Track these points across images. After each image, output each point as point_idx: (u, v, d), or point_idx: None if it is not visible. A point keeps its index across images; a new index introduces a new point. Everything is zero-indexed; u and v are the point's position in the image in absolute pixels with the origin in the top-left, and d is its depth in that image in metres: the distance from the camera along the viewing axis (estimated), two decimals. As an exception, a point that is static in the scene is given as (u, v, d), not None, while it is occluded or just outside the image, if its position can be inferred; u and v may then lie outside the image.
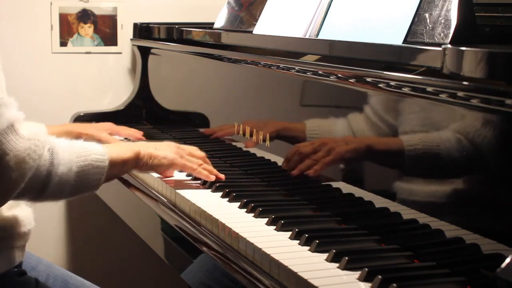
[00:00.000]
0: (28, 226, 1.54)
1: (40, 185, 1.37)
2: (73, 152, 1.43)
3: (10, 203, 1.50)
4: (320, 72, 1.58)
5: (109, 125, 2.12)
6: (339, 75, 1.51)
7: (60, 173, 1.39)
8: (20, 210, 1.53)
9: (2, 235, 1.48)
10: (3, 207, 1.47)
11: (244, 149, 1.92)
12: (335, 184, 1.55)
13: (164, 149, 1.66)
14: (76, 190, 1.44)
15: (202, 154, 1.75)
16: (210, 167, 1.73)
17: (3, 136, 1.31)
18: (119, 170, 1.56)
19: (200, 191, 1.69)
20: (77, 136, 1.92)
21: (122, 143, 1.70)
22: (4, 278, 1.47)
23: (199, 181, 1.75)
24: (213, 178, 1.71)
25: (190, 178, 1.79)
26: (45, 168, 1.36)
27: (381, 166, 1.44)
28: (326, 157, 1.57)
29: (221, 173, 1.82)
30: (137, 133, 2.19)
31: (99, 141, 1.85)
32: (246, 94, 1.99)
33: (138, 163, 1.59)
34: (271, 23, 1.92)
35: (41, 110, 2.52)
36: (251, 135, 1.86)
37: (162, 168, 1.67)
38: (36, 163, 1.34)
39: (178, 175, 1.80)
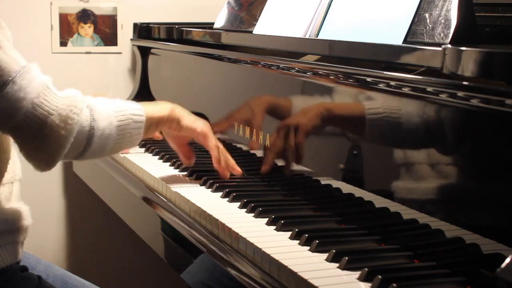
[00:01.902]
0: (26, 221, 1.56)
1: (85, 140, 1.42)
2: (111, 108, 1.48)
3: (6, 196, 1.51)
4: (320, 72, 1.58)
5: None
6: (339, 75, 1.51)
7: (102, 127, 1.44)
8: (17, 205, 1.55)
9: (7, 228, 1.49)
10: (2, 200, 1.49)
11: (244, 149, 1.92)
12: (335, 184, 1.55)
13: (194, 117, 1.68)
14: (118, 145, 1.50)
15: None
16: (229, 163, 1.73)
17: (42, 98, 1.37)
18: (155, 127, 1.60)
19: (200, 191, 1.69)
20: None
21: (157, 102, 1.70)
22: (7, 273, 1.48)
23: (198, 181, 1.75)
24: (227, 175, 1.71)
25: (190, 177, 1.79)
26: (88, 123, 1.42)
27: (381, 166, 1.44)
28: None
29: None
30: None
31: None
32: (246, 94, 1.99)
33: (171, 122, 1.62)
34: (271, 23, 1.92)
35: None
36: (251, 137, 1.86)
37: (191, 131, 1.67)
38: (79, 117, 1.40)
39: (173, 172, 1.80)
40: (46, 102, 1.37)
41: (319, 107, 1.61)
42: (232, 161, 1.74)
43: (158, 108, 1.61)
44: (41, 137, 1.36)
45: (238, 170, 1.74)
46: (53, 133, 1.36)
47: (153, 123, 1.58)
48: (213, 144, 1.70)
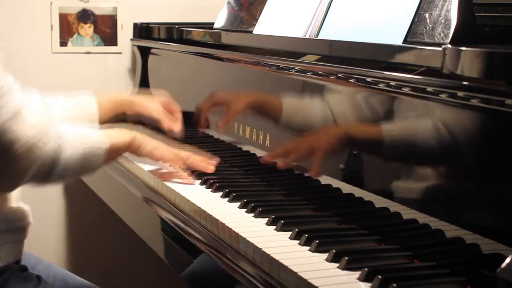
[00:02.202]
0: (27, 221, 1.57)
1: (48, 169, 1.42)
2: (78, 138, 1.48)
3: (8, 197, 1.51)
4: (320, 72, 1.58)
5: (162, 97, 1.98)
6: (339, 75, 1.51)
7: (67, 157, 1.44)
8: (18, 206, 1.55)
9: (7, 228, 1.49)
10: (3, 200, 1.49)
11: (244, 149, 1.92)
12: (335, 184, 1.55)
13: (155, 142, 1.70)
14: (79, 172, 1.52)
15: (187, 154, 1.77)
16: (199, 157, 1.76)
17: (11, 123, 1.33)
18: (114, 155, 1.61)
19: (200, 190, 1.69)
20: (129, 106, 1.87)
21: (118, 129, 1.72)
22: (6, 272, 1.49)
23: (198, 180, 1.75)
24: (206, 166, 1.74)
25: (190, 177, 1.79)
26: (53, 154, 1.41)
27: (381, 166, 1.44)
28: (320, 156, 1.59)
29: (221, 173, 1.82)
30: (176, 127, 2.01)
31: (150, 116, 1.87)
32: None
33: (130, 149, 1.65)
34: (271, 23, 1.92)
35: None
36: (251, 137, 1.86)
37: (152, 158, 1.70)
38: (44, 150, 1.38)
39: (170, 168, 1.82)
40: (14, 128, 1.33)
41: (319, 107, 1.62)
42: (199, 159, 1.76)
43: (120, 136, 1.62)
44: (2, 164, 1.35)
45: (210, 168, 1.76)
46: (15, 162, 1.35)
47: (113, 151, 1.58)
48: (173, 162, 1.73)
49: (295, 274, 1.18)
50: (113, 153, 1.60)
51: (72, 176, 1.51)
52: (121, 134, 1.64)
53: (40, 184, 1.47)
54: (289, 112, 1.72)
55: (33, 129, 1.36)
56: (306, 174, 1.65)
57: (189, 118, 2.31)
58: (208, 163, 1.77)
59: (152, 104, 1.89)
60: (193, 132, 2.21)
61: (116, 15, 2.68)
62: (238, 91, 1.93)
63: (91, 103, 1.81)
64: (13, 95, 1.36)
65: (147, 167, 1.87)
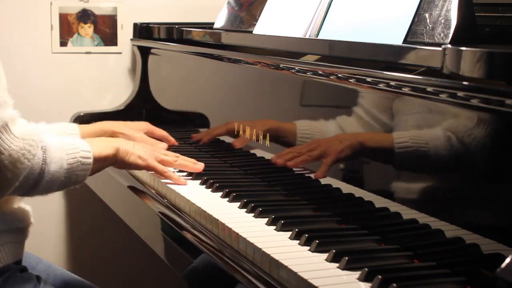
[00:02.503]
0: (27, 222, 1.57)
1: (33, 182, 1.42)
2: (63, 150, 1.48)
3: (9, 198, 1.51)
4: (320, 72, 1.58)
5: (144, 125, 2.07)
6: (339, 75, 1.51)
7: (52, 171, 1.44)
8: (19, 206, 1.56)
9: (7, 228, 1.49)
10: (3, 201, 1.49)
11: (244, 149, 1.92)
12: (335, 184, 1.55)
13: (140, 149, 1.71)
14: (65, 185, 1.51)
15: (174, 155, 1.80)
16: (184, 163, 1.79)
17: None
18: (100, 165, 1.61)
19: (200, 190, 1.69)
20: (111, 135, 1.94)
21: (102, 139, 1.74)
22: (6, 272, 1.49)
23: (198, 180, 1.75)
24: (199, 167, 1.76)
25: (190, 176, 1.79)
26: (38, 167, 1.42)
27: (381, 166, 1.44)
28: (327, 158, 1.58)
29: (221, 173, 1.82)
30: (171, 140, 2.12)
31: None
32: (246, 94, 1.99)
33: (116, 159, 1.65)
34: (271, 23, 1.92)
35: (41, 110, 2.52)
36: (251, 137, 1.86)
37: (136, 167, 1.72)
38: (30, 163, 1.39)
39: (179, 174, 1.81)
40: (0, 140, 1.35)
41: (320, 109, 1.62)
42: (188, 165, 1.79)
43: (104, 146, 1.62)
44: None
45: (198, 167, 1.79)
46: (0, 173, 1.35)
47: (98, 162, 1.58)
48: (163, 171, 1.74)
49: (295, 274, 1.19)
50: (99, 164, 1.59)
51: (57, 188, 1.50)
52: (105, 145, 1.63)
53: (25, 195, 1.48)
54: (303, 133, 1.70)
55: (19, 142, 1.37)
56: (306, 174, 1.64)
57: (189, 118, 2.31)
58: (195, 164, 1.79)
59: (137, 135, 1.94)
60: (193, 132, 2.21)
61: (116, 15, 2.68)
62: (253, 122, 1.92)
63: (74, 131, 1.84)
64: (2, 108, 1.37)
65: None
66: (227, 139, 2.02)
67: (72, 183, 1.52)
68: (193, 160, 1.81)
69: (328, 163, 1.57)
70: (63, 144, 1.50)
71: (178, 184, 1.73)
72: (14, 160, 1.36)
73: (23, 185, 1.41)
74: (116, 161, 1.65)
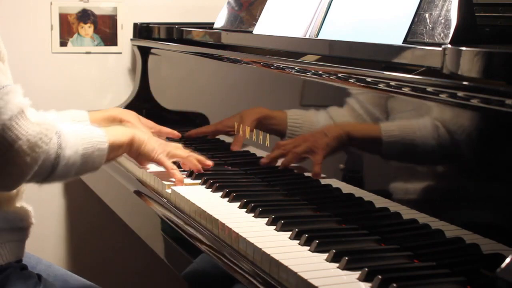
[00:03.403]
0: (29, 221, 1.57)
1: (50, 167, 1.43)
2: (78, 136, 1.50)
3: (11, 197, 1.52)
4: (320, 72, 1.58)
5: (152, 124, 2.08)
6: (339, 75, 1.51)
7: (68, 155, 1.45)
8: (21, 206, 1.56)
9: (8, 227, 1.50)
10: (5, 200, 1.50)
11: (244, 149, 1.92)
12: (335, 184, 1.55)
13: (154, 142, 1.73)
14: (81, 171, 1.52)
15: (186, 152, 1.80)
16: (195, 162, 1.79)
17: (14, 121, 1.36)
18: (116, 153, 1.62)
19: (200, 190, 1.69)
20: (120, 123, 1.94)
21: (118, 127, 1.75)
22: (7, 270, 1.49)
23: (198, 180, 1.75)
24: (199, 167, 1.77)
25: (190, 176, 1.79)
26: (54, 151, 1.43)
27: (381, 166, 1.44)
28: (320, 157, 1.59)
29: (221, 173, 1.82)
30: (176, 133, 2.13)
31: None
32: (246, 94, 1.99)
33: (131, 147, 1.66)
34: (271, 23, 1.92)
35: (41, 110, 2.52)
36: (250, 137, 1.86)
37: (148, 158, 1.72)
38: (48, 147, 1.40)
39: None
40: (17, 126, 1.36)
41: (318, 108, 1.62)
42: (200, 159, 1.80)
43: (120, 134, 1.64)
44: (5, 161, 1.36)
45: (208, 163, 1.81)
46: (18, 159, 1.37)
47: (114, 149, 1.60)
48: (170, 168, 1.74)
49: (295, 274, 1.19)
50: (114, 151, 1.60)
51: (73, 175, 1.51)
52: (121, 133, 1.65)
53: (42, 183, 1.48)
54: (293, 121, 1.71)
55: (35, 127, 1.39)
56: (306, 174, 1.65)
57: (189, 118, 2.31)
58: (205, 160, 1.81)
59: (144, 129, 1.94)
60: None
61: (116, 15, 2.68)
62: (241, 113, 1.93)
63: (84, 118, 1.86)
64: (15, 94, 1.39)
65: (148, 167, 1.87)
66: (227, 139, 2.02)
67: (89, 169, 1.53)
68: (202, 158, 1.81)
69: (318, 159, 1.58)
70: (77, 130, 1.51)
71: (178, 185, 1.73)
72: (32, 145, 1.37)
73: (41, 171, 1.41)
74: (130, 149, 1.66)
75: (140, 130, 1.90)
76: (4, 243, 1.49)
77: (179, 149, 1.78)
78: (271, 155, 1.75)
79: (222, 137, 2.06)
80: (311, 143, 1.61)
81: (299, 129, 1.68)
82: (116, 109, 2.05)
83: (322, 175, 1.59)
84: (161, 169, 1.81)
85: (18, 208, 1.55)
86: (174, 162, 1.80)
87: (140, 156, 1.71)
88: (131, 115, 1.99)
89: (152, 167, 1.87)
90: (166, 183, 1.74)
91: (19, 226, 1.54)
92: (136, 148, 1.67)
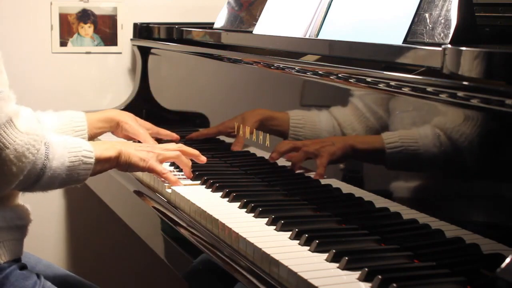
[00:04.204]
0: (27, 220, 1.57)
1: (35, 177, 1.44)
2: (66, 148, 1.50)
3: (8, 196, 1.52)
4: (320, 72, 1.58)
5: (150, 125, 2.08)
6: (339, 75, 1.51)
7: (54, 167, 1.46)
8: (18, 204, 1.56)
9: (6, 226, 1.50)
10: (4, 199, 1.50)
11: (244, 149, 1.92)
12: (335, 184, 1.55)
13: (142, 151, 1.70)
14: (65, 183, 1.53)
15: (177, 146, 1.79)
16: (185, 160, 1.77)
17: (2, 130, 1.37)
18: (102, 167, 1.61)
19: (200, 191, 1.69)
20: (117, 124, 1.96)
21: (105, 141, 1.76)
22: (6, 270, 1.49)
23: (198, 181, 1.75)
24: (189, 167, 1.77)
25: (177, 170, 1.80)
26: (41, 162, 1.43)
27: (381, 166, 1.44)
28: (324, 158, 1.58)
29: (221, 173, 1.82)
30: (175, 136, 2.14)
31: (137, 137, 1.96)
32: (246, 94, 1.99)
33: (118, 161, 1.65)
34: (271, 23, 1.92)
35: (41, 110, 2.52)
36: (251, 137, 1.86)
37: (138, 169, 1.71)
38: (34, 157, 1.41)
39: (179, 174, 1.81)
40: (4, 134, 1.37)
41: (319, 108, 1.62)
42: (194, 153, 1.79)
43: (106, 148, 1.63)
44: None
45: (202, 159, 1.80)
46: (4, 168, 1.37)
47: (101, 162, 1.59)
48: (162, 172, 1.72)
49: (295, 274, 1.18)
50: (100, 165, 1.60)
51: (57, 186, 1.51)
52: (108, 148, 1.64)
53: (26, 191, 1.49)
54: (296, 122, 1.71)
55: (23, 137, 1.39)
56: (306, 174, 1.65)
57: (189, 118, 2.31)
58: (198, 156, 1.80)
59: (141, 130, 1.96)
60: (193, 132, 2.21)
61: (116, 15, 2.68)
62: (243, 114, 1.93)
63: (81, 119, 1.85)
64: (7, 102, 1.39)
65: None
66: (228, 139, 2.02)
67: (73, 181, 1.54)
68: (197, 153, 1.80)
69: (322, 161, 1.58)
70: (66, 142, 1.51)
71: (174, 185, 1.73)
72: (19, 155, 1.38)
73: (25, 180, 1.42)
74: (118, 163, 1.65)
75: (133, 130, 1.92)
76: (2, 242, 1.49)
77: (168, 151, 1.76)
78: (281, 150, 1.74)
79: (222, 137, 2.06)
80: (319, 146, 1.61)
81: (302, 130, 1.68)
82: (113, 111, 2.05)
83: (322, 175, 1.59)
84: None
85: (16, 206, 1.55)
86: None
87: (130, 168, 1.69)
88: (128, 117, 1.99)
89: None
90: (167, 184, 1.74)
91: (18, 225, 1.54)
92: (124, 161, 1.66)
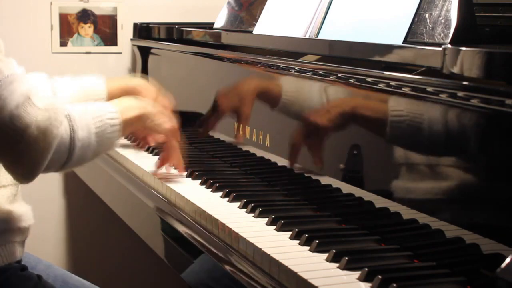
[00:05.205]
0: (28, 221, 1.56)
1: (66, 152, 1.39)
2: (89, 115, 1.45)
3: (9, 197, 1.51)
4: (320, 72, 1.58)
5: (168, 104, 1.95)
6: (339, 75, 1.51)
7: (81, 137, 1.41)
8: (19, 206, 1.55)
9: (7, 228, 1.49)
10: (2, 200, 1.49)
11: (244, 149, 1.92)
12: (335, 184, 1.55)
13: (167, 114, 1.68)
14: (98, 151, 1.48)
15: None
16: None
17: (22, 110, 1.33)
18: (129, 126, 1.57)
19: (200, 190, 1.69)
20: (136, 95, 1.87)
21: (129, 99, 1.68)
22: (6, 272, 1.49)
23: (198, 180, 1.75)
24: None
25: (190, 176, 1.80)
26: (67, 135, 1.39)
27: (381, 166, 1.44)
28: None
29: (221, 173, 1.82)
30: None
31: None
32: (246, 94, 1.99)
33: (144, 121, 1.61)
34: (271, 23, 1.92)
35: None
36: (251, 137, 1.86)
37: (161, 130, 1.67)
38: (59, 131, 1.37)
39: (173, 171, 1.82)
40: (25, 114, 1.33)
41: (320, 106, 1.62)
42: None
43: (130, 107, 1.59)
44: (19, 151, 1.34)
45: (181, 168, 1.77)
46: (31, 147, 1.34)
47: (127, 123, 1.55)
48: (172, 147, 1.71)
49: (295, 274, 1.18)
50: (127, 127, 1.56)
51: (91, 156, 1.47)
52: (132, 106, 1.59)
53: (60, 170, 1.44)
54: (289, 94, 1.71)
55: (44, 113, 1.35)
56: (306, 174, 1.65)
57: (189, 118, 2.31)
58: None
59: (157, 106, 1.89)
60: (194, 132, 2.21)
61: (116, 15, 2.68)
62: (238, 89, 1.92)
63: (101, 86, 1.80)
64: (20, 83, 1.36)
65: (147, 167, 1.87)
66: (228, 139, 2.02)
67: (105, 147, 1.50)
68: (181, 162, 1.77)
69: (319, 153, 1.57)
70: (87, 110, 1.47)
71: (180, 170, 1.72)
72: (43, 131, 1.34)
73: (57, 157, 1.38)
74: (144, 123, 1.61)
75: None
76: (3, 245, 1.48)
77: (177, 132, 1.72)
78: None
79: (222, 137, 2.06)
80: (315, 142, 1.60)
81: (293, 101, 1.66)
82: (135, 80, 1.94)
83: (322, 175, 1.59)
84: (161, 168, 1.82)
85: (17, 209, 1.54)
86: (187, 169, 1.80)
87: (154, 128, 1.65)
88: (151, 93, 1.89)
89: (151, 167, 1.86)
90: (166, 184, 1.74)
91: (18, 227, 1.54)
92: (149, 120, 1.62)
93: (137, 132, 1.76)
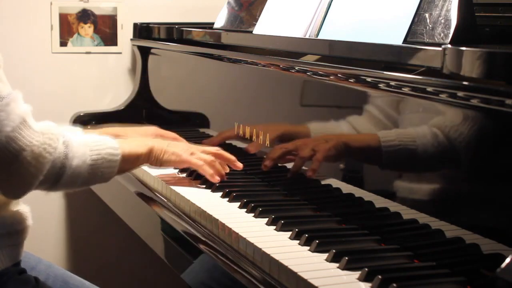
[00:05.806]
0: (27, 222, 1.55)
1: (54, 176, 1.41)
2: (87, 146, 1.47)
3: (8, 201, 1.51)
4: (320, 72, 1.58)
5: (153, 129, 1.95)
6: (339, 75, 1.51)
7: (75, 165, 1.43)
8: (18, 207, 1.55)
9: (5, 232, 1.49)
10: (3, 204, 1.48)
11: (244, 149, 1.92)
12: (335, 184, 1.55)
13: (176, 147, 1.69)
14: (88, 181, 1.49)
15: (214, 149, 1.75)
16: (219, 167, 1.72)
17: (17, 132, 1.34)
18: (132, 164, 1.60)
19: (200, 191, 1.69)
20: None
21: (138, 138, 1.72)
22: (4, 276, 1.48)
23: (198, 180, 1.75)
24: (217, 179, 1.70)
25: (190, 176, 1.79)
26: (60, 161, 1.40)
27: (381, 166, 1.44)
28: (321, 156, 1.58)
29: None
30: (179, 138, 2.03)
31: None
32: (246, 94, 1.99)
33: (150, 158, 1.64)
34: (271, 23, 1.92)
35: (41, 111, 2.49)
36: (251, 137, 1.86)
37: (171, 163, 1.69)
38: (52, 157, 1.38)
39: (173, 171, 1.82)
40: (20, 137, 1.34)
41: (317, 108, 1.62)
42: (222, 171, 1.73)
43: (137, 145, 1.61)
44: (10, 172, 1.35)
45: (238, 165, 1.75)
46: (23, 170, 1.35)
47: (130, 160, 1.57)
48: (198, 164, 1.69)
49: (295, 274, 1.19)
50: (129, 163, 1.58)
51: (81, 184, 1.48)
52: (139, 144, 1.62)
53: (49, 190, 1.47)
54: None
55: (39, 137, 1.37)
56: (306, 174, 1.64)
57: (189, 118, 2.31)
58: (235, 161, 1.75)
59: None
60: (193, 132, 2.21)
61: (116, 15, 2.68)
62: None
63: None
64: (17, 104, 1.36)
65: (147, 167, 1.87)
66: (228, 139, 2.01)
67: (98, 179, 1.50)
68: (233, 158, 1.75)
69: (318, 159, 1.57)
70: (88, 140, 1.48)
71: (212, 180, 1.70)
72: (37, 155, 1.36)
73: (45, 180, 1.40)
74: (149, 160, 1.64)
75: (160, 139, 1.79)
76: (1, 249, 1.48)
77: (204, 153, 1.72)
78: (274, 156, 1.73)
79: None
80: (313, 145, 1.60)
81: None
82: (111, 129, 1.85)
83: (322, 175, 1.59)
84: (162, 171, 1.81)
85: (14, 212, 1.53)
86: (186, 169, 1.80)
87: (164, 164, 1.67)
88: (128, 131, 1.85)
89: (154, 170, 1.86)
90: (167, 184, 1.74)
91: (17, 229, 1.53)
92: (156, 157, 1.64)
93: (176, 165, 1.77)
